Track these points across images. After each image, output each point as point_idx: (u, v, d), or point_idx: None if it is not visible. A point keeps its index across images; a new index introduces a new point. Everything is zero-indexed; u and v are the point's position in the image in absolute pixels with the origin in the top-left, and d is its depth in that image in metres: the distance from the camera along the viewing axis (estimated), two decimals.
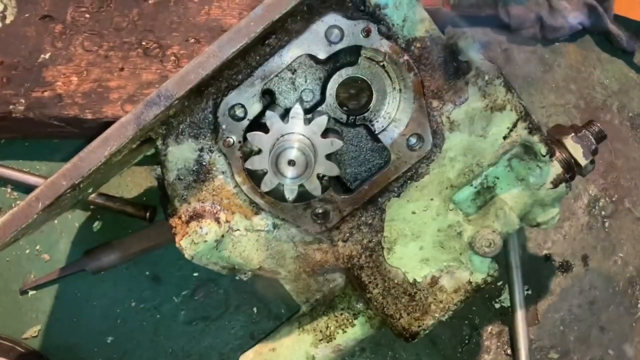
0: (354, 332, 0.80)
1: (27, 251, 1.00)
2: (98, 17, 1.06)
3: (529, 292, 0.98)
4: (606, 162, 1.06)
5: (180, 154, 0.72)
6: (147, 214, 1.00)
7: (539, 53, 1.13)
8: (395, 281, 0.76)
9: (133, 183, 1.03)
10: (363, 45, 0.69)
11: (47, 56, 1.03)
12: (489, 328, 0.96)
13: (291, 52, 0.69)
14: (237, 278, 0.79)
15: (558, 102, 1.10)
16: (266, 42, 0.69)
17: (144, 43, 1.04)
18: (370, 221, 0.74)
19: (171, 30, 1.05)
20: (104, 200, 1.02)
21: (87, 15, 1.06)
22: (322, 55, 0.69)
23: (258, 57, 0.69)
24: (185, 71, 0.63)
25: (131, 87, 1.01)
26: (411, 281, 0.75)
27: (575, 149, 0.77)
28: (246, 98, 0.69)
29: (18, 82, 1.01)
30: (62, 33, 1.05)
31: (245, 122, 0.70)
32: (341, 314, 0.80)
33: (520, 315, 0.93)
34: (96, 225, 1.02)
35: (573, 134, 0.78)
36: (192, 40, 1.05)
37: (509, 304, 0.96)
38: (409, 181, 0.73)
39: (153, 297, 0.97)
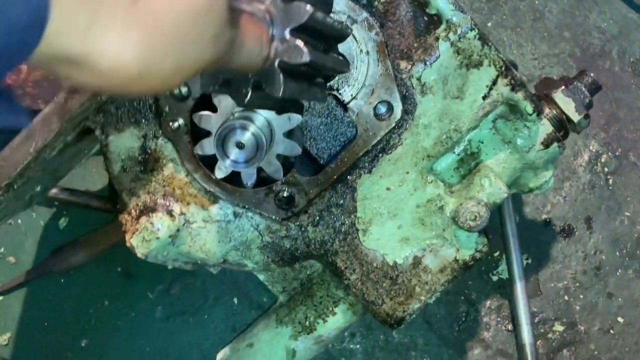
0: (336, 321, 0.74)
1: None
2: None
3: (529, 261, 0.91)
4: (607, 114, 0.98)
5: (123, 143, 0.65)
6: (115, 206, 0.94)
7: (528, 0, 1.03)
8: (374, 265, 0.69)
9: (98, 174, 0.97)
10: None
11: None
12: (487, 303, 0.89)
13: None
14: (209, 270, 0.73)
15: (551, 52, 1.01)
16: None
17: None
18: (341, 202, 0.67)
19: None
20: (68, 195, 0.95)
21: None
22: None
23: None
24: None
25: None
26: (391, 264, 0.68)
27: (566, 103, 0.69)
28: None
29: None
30: None
31: (191, 102, 0.63)
32: (320, 303, 0.74)
33: (519, 287, 0.86)
34: (62, 222, 0.95)
35: (563, 87, 0.69)
36: None
37: (507, 276, 0.89)
38: (380, 154, 0.65)
39: (126, 294, 0.91)
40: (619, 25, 1.03)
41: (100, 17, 0.34)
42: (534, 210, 0.93)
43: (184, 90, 0.63)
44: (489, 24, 1.03)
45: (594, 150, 0.96)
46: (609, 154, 0.96)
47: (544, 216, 0.93)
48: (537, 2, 1.04)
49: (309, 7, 0.44)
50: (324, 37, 0.49)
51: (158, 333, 0.90)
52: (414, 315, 0.70)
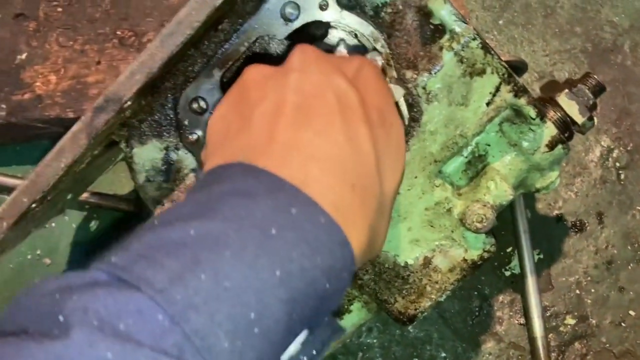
0: (351, 318, 0.77)
1: (29, 257, 1.00)
2: (70, 10, 1.02)
3: (541, 256, 0.93)
4: (619, 109, 0.98)
5: (146, 154, 0.69)
6: (141, 211, 0.99)
7: None
8: (386, 265, 0.72)
9: (126, 178, 1.01)
10: (321, 19, 0.63)
11: (23, 56, 1.00)
12: (500, 297, 0.92)
13: (247, 36, 0.64)
14: None
15: (563, 48, 1.02)
16: (219, 27, 0.64)
17: (118, 32, 1.00)
18: None
19: (145, 15, 1.00)
20: (97, 199, 1.00)
21: (60, 9, 1.02)
22: (280, 36, 0.64)
23: (213, 45, 0.65)
24: (130, 71, 0.59)
25: (109, 80, 0.98)
26: (402, 264, 0.72)
27: (570, 106, 0.71)
28: (206, 90, 0.65)
29: None
30: (36, 31, 1.02)
31: (207, 115, 0.66)
32: None
33: (531, 282, 0.88)
34: (93, 224, 1.00)
35: (567, 90, 0.71)
36: None
37: (519, 271, 0.91)
38: None
39: None
40: (630, 19, 1.03)
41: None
42: (545, 206, 0.95)
43: (202, 104, 0.66)
44: (500, 22, 1.04)
45: (605, 146, 0.97)
46: (621, 148, 0.97)
47: (556, 212, 0.95)
48: None
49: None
50: None
51: None
52: (425, 313, 0.73)
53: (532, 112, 0.67)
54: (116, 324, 0.30)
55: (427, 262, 0.72)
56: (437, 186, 0.70)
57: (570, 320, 0.91)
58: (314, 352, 0.40)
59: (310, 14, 0.63)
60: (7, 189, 1.05)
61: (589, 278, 0.92)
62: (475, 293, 0.92)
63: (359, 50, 0.65)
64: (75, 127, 0.61)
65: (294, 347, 0.37)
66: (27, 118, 0.97)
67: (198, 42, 0.64)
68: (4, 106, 0.98)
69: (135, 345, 0.29)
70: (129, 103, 0.60)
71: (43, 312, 0.31)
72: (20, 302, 0.33)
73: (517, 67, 0.93)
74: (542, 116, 0.68)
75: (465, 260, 0.71)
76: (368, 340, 0.91)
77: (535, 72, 1.02)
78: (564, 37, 1.03)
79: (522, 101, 0.67)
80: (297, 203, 0.39)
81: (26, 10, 1.02)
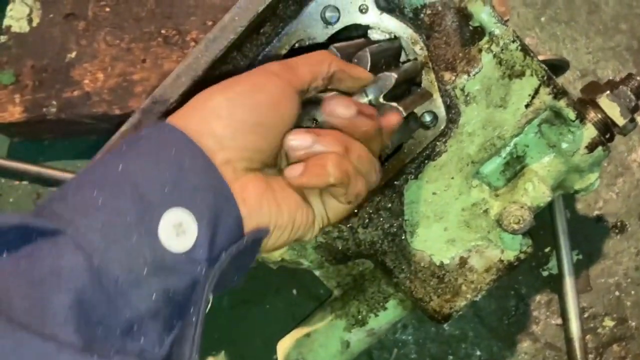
0: (386, 315, 0.78)
1: None
2: (117, 10, 1.05)
3: (580, 257, 0.92)
4: None
5: None
6: None
7: None
8: (422, 264, 0.73)
9: None
10: (361, 23, 0.64)
11: (73, 55, 1.04)
12: (537, 297, 0.91)
13: (288, 39, 0.65)
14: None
15: (606, 46, 1.00)
16: (261, 30, 0.66)
17: (163, 31, 1.03)
18: (389, 205, 0.71)
19: (188, 14, 1.03)
20: None
21: (107, 9, 1.06)
22: (321, 39, 0.65)
23: (255, 48, 0.66)
24: (176, 74, 0.62)
25: (154, 78, 1.01)
26: (438, 264, 0.72)
27: (611, 108, 0.70)
28: None
29: (49, 84, 1.03)
30: (85, 30, 1.06)
31: None
32: (372, 298, 0.78)
33: (569, 283, 0.88)
34: None
35: (608, 92, 0.70)
36: (210, 23, 1.03)
37: (557, 271, 0.91)
38: (426, 161, 0.69)
39: None
40: None
41: None
42: (585, 206, 0.94)
43: None
44: (542, 19, 1.03)
45: None
46: None
47: (596, 212, 0.94)
48: None
49: (394, 75, 0.55)
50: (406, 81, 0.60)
51: (225, 321, 0.97)
52: (460, 312, 0.74)
53: (571, 114, 0.67)
54: None
55: (463, 262, 0.72)
56: (474, 187, 0.71)
57: (608, 322, 0.90)
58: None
59: (350, 17, 0.64)
60: (56, 182, 1.10)
61: (629, 280, 0.91)
62: (512, 292, 0.92)
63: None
64: (123, 128, 0.64)
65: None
66: (76, 114, 1.01)
67: (241, 45, 0.66)
68: (54, 103, 1.02)
69: None
70: (174, 105, 0.63)
71: None
72: None
73: (558, 66, 0.92)
74: (581, 118, 0.67)
75: (501, 260, 0.72)
76: (403, 337, 0.93)
77: (578, 70, 1.00)
78: (608, 34, 1.01)
79: (562, 103, 0.67)
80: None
81: (76, 10, 1.06)
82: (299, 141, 0.49)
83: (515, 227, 0.68)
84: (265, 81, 0.50)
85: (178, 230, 0.40)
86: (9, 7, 1.07)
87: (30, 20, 1.09)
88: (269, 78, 0.50)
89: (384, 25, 0.64)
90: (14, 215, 0.37)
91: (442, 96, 0.66)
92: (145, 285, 0.39)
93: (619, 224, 0.93)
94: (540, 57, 0.91)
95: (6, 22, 1.06)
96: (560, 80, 0.98)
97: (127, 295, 0.38)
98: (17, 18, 1.08)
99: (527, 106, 0.67)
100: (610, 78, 0.99)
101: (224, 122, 0.47)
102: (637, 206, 0.93)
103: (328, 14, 0.65)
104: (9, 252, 0.36)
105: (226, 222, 0.44)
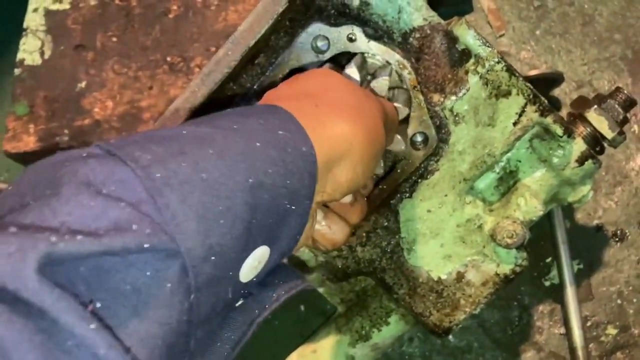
0: (389, 330, 0.80)
1: None
2: (124, 39, 1.09)
3: (580, 266, 0.93)
4: None
5: None
6: None
7: (577, 4, 1.04)
8: (420, 280, 0.75)
9: None
10: (350, 50, 0.67)
11: (83, 85, 1.08)
12: (540, 307, 0.93)
13: (281, 68, 0.68)
14: None
15: (601, 56, 1.02)
16: (255, 61, 0.69)
17: (168, 59, 1.07)
18: (385, 224, 0.73)
19: (192, 41, 1.07)
20: None
21: (115, 39, 1.10)
22: (312, 67, 0.68)
23: (250, 78, 0.69)
24: (174, 108, 0.65)
25: (161, 104, 1.05)
26: (436, 279, 0.74)
27: (599, 122, 0.71)
28: None
29: (61, 114, 1.07)
30: (94, 60, 1.10)
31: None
32: (375, 313, 0.81)
33: (570, 292, 0.89)
34: None
35: (596, 106, 0.72)
36: (213, 49, 1.06)
37: (559, 281, 0.92)
38: (419, 180, 0.71)
39: None
40: None
41: None
42: (585, 216, 0.95)
43: None
44: (537, 32, 1.05)
45: None
46: None
47: (596, 221, 0.95)
48: (586, 6, 1.04)
49: None
50: None
51: None
52: (460, 325, 0.76)
53: (559, 130, 0.69)
54: (100, 188, 0.33)
55: (460, 276, 0.74)
56: (467, 203, 0.73)
57: (611, 331, 0.91)
58: (265, 275, 0.44)
59: (340, 45, 0.67)
60: None
61: (630, 288, 0.92)
62: (515, 303, 0.94)
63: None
64: None
65: (251, 261, 0.41)
66: (87, 142, 1.05)
67: (237, 76, 0.69)
68: (66, 132, 1.06)
69: (114, 202, 0.33)
70: None
71: (41, 180, 0.35)
72: (25, 174, 0.38)
73: (552, 80, 0.94)
74: (569, 133, 0.69)
75: (497, 274, 0.74)
76: (410, 350, 0.94)
77: (573, 81, 1.02)
78: (602, 45, 1.02)
79: (549, 119, 0.69)
80: (286, 128, 0.44)
81: (85, 41, 1.10)
82: None
83: (509, 241, 0.70)
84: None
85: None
86: (22, 41, 1.11)
87: (42, 53, 1.13)
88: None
89: (372, 53, 0.67)
90: None
91: (431, 117, 0.68)
92: None
93: (618, 232, 0.94)
94: (534, 72, 0.93)
95: (20, 55, 1.11)
96: (557, 92, 1.00)
97: None
98: (30, 51, 1.12)
99: (515, 124, 0.69)
100: (607, 88, 1.00)
101: None
102: (636, 214, 0.94)
103: (319, 43, 0.67)
104: None
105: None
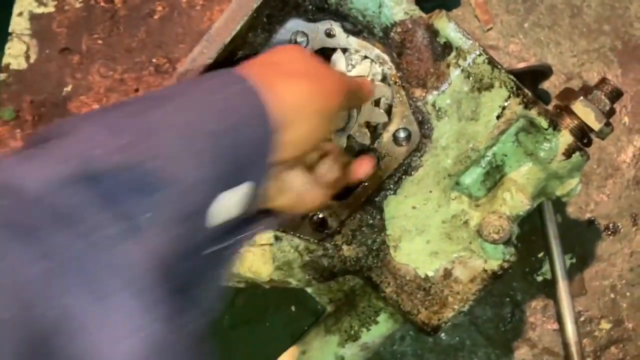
0: (378, 329, 0.79)
1: None
2: (110, 42, 1.08)
3: (573, 260, 0.92)
4: None
5: None
6: None
7: None
8: (407, 278, 0.74)
9: None
10: (329, 46, 0.66)
11: (69, 88, 1.07)
12: (533, 303, 0.91)
13: None
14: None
15: (591, 48, 1.01)
16: (234, 59, 0.68)
17: (154, 60, 1.06)
18: (370, 221, 0.72)
19: (178, 42, 1.06)
20: None
21: (100, 42, 1.09)
22: None
23: None
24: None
25: None
26: (423, 276, 0.73)
27: (585, 113, 0.70)
28: None
29: (48, 118, 1.06)
30: (79, 63, 1.09)
31: None
32: (363, 313, 0.80)
33: (563, 287, 0.88)
34: None
35: (582, 98, 0.71)
36: None
37: (551, 276, 0.91)
38: (403, 176, 0.70)
39: None
40: None
41: None
42: (577, 209, 0.94)
43: None
44: (526, 25, 1.04)
45: (638, 146, 0.95)
46: None
47: (588, 215, 0.94)
48: None
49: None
50: None
51: (226, 341, 0.99)
52: (449, 323, 0.75)
53: (544, 122, 0.68)
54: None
55: (447, 273, 0.73)
56: (453, 199, 0.72)
57: (605, 325, 0.90)
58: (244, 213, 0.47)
59: (319, 41, 0.66)
60: None
61: (623, 281, 0.91)
62: (507, 299, 0.92)
63: None
64: None
65: (234, 196, 0.44)
66: None
67: None
68: None
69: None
70: None
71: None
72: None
73: (541, 72, 0.92)
74: (555, 126, 0.68)
75: (485, 270, 0.72)
76: (401, 349, 0.93)
77: (563, 73, 1.01)
78: (592, 37, 1.01)
79: (533, 112, 0.67)
80: (243, 85, 0.47)
81: (70, 44, 1.10)
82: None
83: (495, 236, 0.69)
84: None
85: None
86: (7, 46, 1.10)
87: (27, 57, 1.13)
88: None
89: (352, 48, 0.66)
90: None
91: (413, 112, 0.67)
92: None
93: (611, 225, 0.93)
94: (522, 65, 0.92)
95: (5, 60, 1.10)
96: (546, 85, 0.99)
97: None
98: (15, 55, 1.12)
99: (498, 117, 0.68)
100: (596, 80, 0.99)
101: None
102: (628, 207, 0.93)
103: (298, 39, 0.66)
104: None
105: None
